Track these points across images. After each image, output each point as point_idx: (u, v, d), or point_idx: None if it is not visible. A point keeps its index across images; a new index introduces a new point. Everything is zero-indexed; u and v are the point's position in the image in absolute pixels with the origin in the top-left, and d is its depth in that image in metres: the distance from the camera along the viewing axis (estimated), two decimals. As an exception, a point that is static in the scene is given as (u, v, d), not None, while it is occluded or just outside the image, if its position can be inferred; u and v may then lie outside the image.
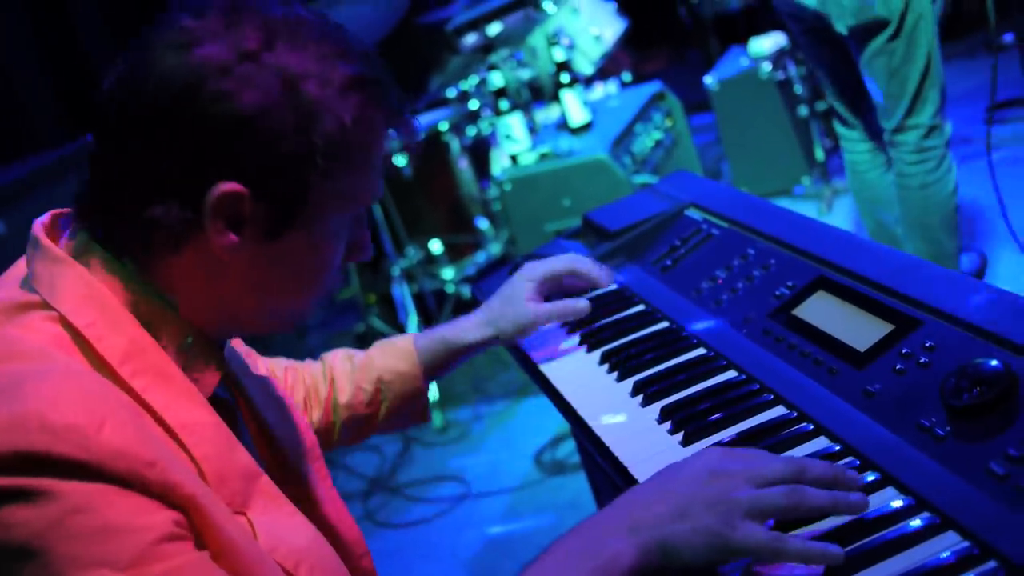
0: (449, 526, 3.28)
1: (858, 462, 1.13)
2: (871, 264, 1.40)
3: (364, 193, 1.08)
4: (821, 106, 4.67)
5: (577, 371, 1.57)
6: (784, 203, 4.49)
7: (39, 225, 1.07)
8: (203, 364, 1.08)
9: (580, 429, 1.43)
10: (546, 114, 4.38)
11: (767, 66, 4.52)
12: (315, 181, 1.01)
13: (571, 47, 4.45)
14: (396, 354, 1.60)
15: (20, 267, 1.08)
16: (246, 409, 1.22)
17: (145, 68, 0.99)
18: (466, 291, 4.27)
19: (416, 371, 1.59)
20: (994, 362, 1.09)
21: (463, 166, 4.40)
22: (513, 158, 3.97)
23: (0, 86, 4.31)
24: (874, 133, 3.18)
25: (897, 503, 1.05)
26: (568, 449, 3.38)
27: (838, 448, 1.17)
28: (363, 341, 4.47)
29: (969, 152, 4.18)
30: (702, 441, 1.27)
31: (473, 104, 4.36)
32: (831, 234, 1.55)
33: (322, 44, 1.02)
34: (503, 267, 2.00)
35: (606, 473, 1.34)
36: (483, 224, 4.39)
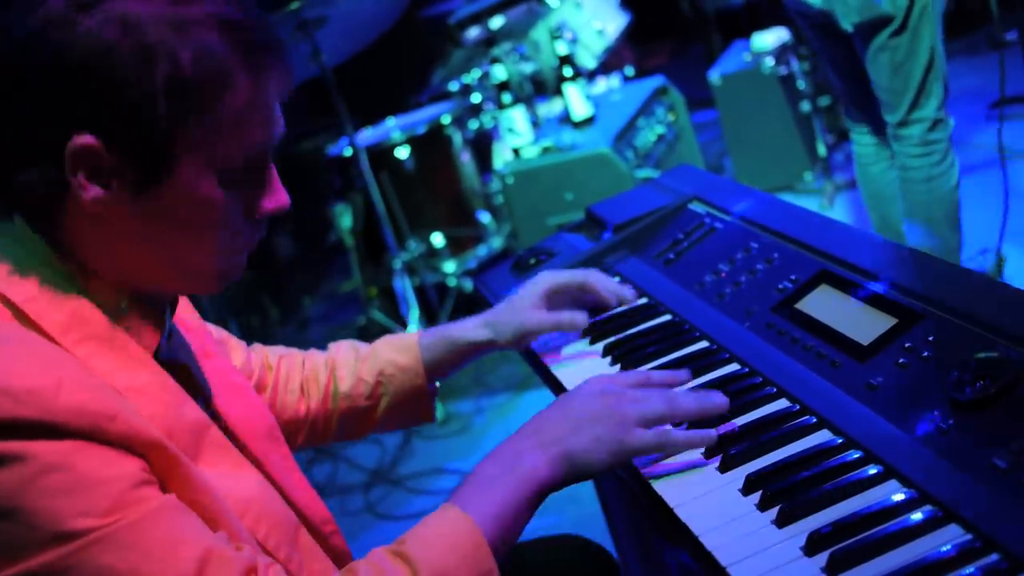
0: (450, 519, 3.28)
1: (861, 455, 1.13)
2: (874, 258, 1.41)
3: (233, 142, 1.03)
4: (824, 101, 4.66)
5: (580, 364, 1.57)
6: (786, 198, 4.49)
7: None
8: (141, 325, 1.10)
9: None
10: (549, 108, 4.38)
11: (770, 61, 4.51)
12: (167, 128, 0.99)
13: (574, 41, 4.44)
14: (400, 348, 1.60)
15: None
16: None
17: None
18: (468, 284, 4.27)
19: (418, 367, 1.58)
20: (997, 356, 1.09)
21: (465, 159, 4.40)
22: (515, 152, 3.97)
23: None
24: (880, 128, 3.18)
25: (899, 496, 1.05)
26: (569, 443, 3.38)
27: (840, 441, 1.17)
28: (364, 334, 4.47)
29: (974, 154, 4.18)
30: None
31: (476, 97, 4.36)
32: (834, 228, 1.55)
33: None
34: (505, 261, 2.00)
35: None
36: (485, 218, 4.39)
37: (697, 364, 1.42)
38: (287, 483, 1.25)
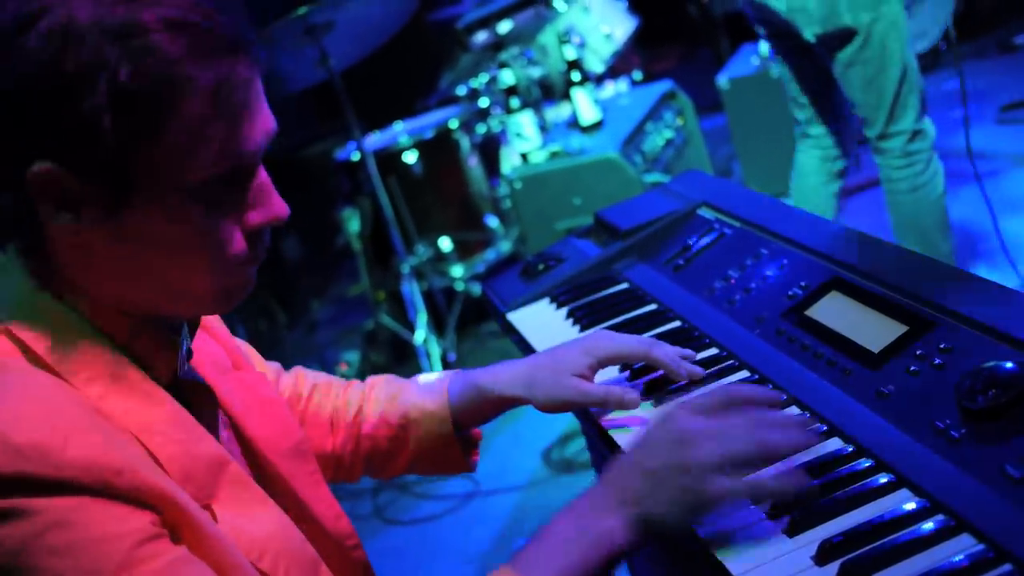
0: (458, 523, 3.28)
1: (872, 463, 1.12)
2: (885, 264, 1.40)
3: (199, 154, 0.95)
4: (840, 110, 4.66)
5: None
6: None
7: None
8: (153, 348, 1.06)
9: (591, 427, 1.42)
10: (556, 112, 4.38)
11: (778, 65, 4.50)
12: (119, 146, 0.92)
13: (582, 45, 4.44)
14: (428, 391, 1.48)
15: None
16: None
17: None
18: (476, 289, 4.27)
19: (444, 413, 1.46)
20: (1010, 364, 1.08)
21: (473, 164, 4.40)
22: (523, 156, 3.97)
23: None
24: (837, 142, 3.23)
25: (911, 505, 1.04)
26: (577, 447, 3.38)
27: (851, 449, 1.16)
28: (372, 338, 4.47)
29: (984, 163, 4.16)
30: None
31: (483, 102, 4.37)
32: (844, 233, 1.54)
33: None
34: (513, 265, 2.00)
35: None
36: (493, 222, 4.39)
37: (707, 371, 1.42)
38: (312, 499, 1.24)
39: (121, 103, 0.90)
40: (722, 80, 4.64)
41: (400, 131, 4.50)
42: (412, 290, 4.09)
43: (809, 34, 2.93)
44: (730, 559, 1.05)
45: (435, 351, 4.04)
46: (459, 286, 4.33)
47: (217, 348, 1.25)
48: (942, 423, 1.09)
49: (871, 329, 1.29)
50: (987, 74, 4.81)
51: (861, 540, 1.01)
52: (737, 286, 1.56)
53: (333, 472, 1.51)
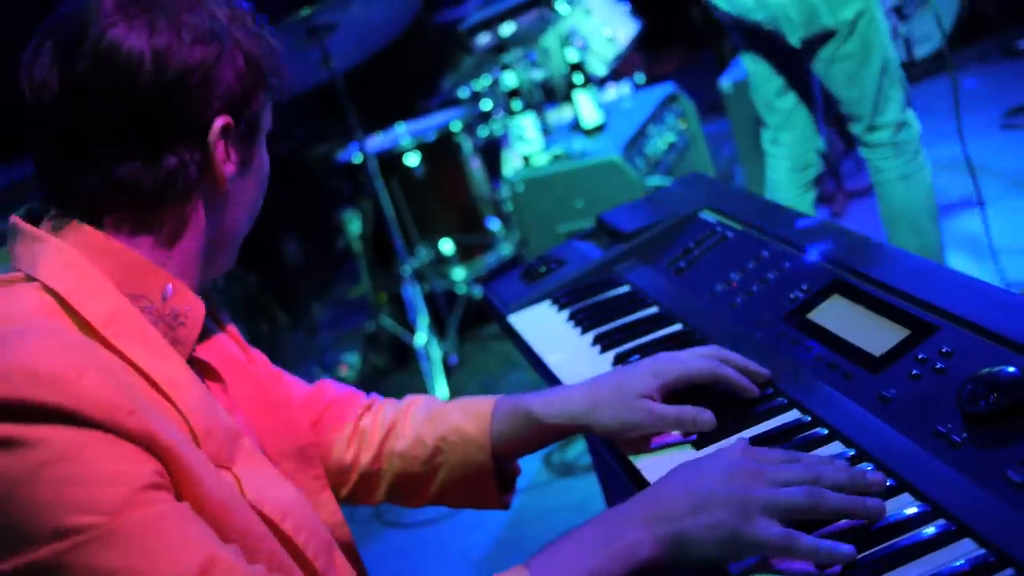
0: (458, 526, 3.28)
1: (873, 467, 1.12)
2: (887, 268, 1.40)
3: (267, 114, 1.21)
4: (834, 109, 4.65)
5: (589, 373, 1.56)
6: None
7: (15, 217, 1.12)
8: (184, 313, 1.13)
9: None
10: (559, 115, 4.38)
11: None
12: (248, 95, 1.14)
13: (584, 48, 4.44)
14: (470, 414, 1.40)
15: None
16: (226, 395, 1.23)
17: (95, 43, 1.05)
18: (477, 292, 4.27)
19: (483, 439, 1.37)
20: (1012, 369, 1.08)
21: (475, 166, 4.40)
22: (525, 159, 3.96)
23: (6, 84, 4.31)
24: (814, 147, 3.23)
25: (912, 510, 1.04)
26: (578, 451, 3.37)
27: (852, 453, 1.16)
28: (373, 340, 4.47)
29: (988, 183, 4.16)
30: (715, 444, 1.26)
31: (486, 104, 4.36)
32: (846, 237, 1.54)
33: None
34: (515, 268, 2.00)
35: (617, 475, 1.33)
36: (495, 225, 4.39)
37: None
38: (315, 503, 1.24)
39: (249, 66, 1.14)
40: (725, 83, 4.63)
41: (402, 133, 4.50)
42: (413, 292, 4.09)
43: (795, 39, 2.96)
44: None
45: (436, 354, 4.03)
46: (460, 288, 4.32)
47: (233, 346, 1.28)
48: (944, 427, 1.09)
49: (873, 333, 1.29)
50: (991, 78, 4.82)
51: (861, 544, 1.01)
52: (739, 289, 1.56)
53: (353, 488, 1.46)
